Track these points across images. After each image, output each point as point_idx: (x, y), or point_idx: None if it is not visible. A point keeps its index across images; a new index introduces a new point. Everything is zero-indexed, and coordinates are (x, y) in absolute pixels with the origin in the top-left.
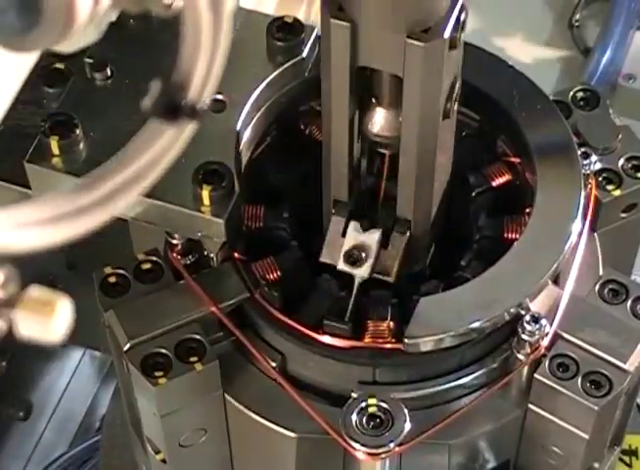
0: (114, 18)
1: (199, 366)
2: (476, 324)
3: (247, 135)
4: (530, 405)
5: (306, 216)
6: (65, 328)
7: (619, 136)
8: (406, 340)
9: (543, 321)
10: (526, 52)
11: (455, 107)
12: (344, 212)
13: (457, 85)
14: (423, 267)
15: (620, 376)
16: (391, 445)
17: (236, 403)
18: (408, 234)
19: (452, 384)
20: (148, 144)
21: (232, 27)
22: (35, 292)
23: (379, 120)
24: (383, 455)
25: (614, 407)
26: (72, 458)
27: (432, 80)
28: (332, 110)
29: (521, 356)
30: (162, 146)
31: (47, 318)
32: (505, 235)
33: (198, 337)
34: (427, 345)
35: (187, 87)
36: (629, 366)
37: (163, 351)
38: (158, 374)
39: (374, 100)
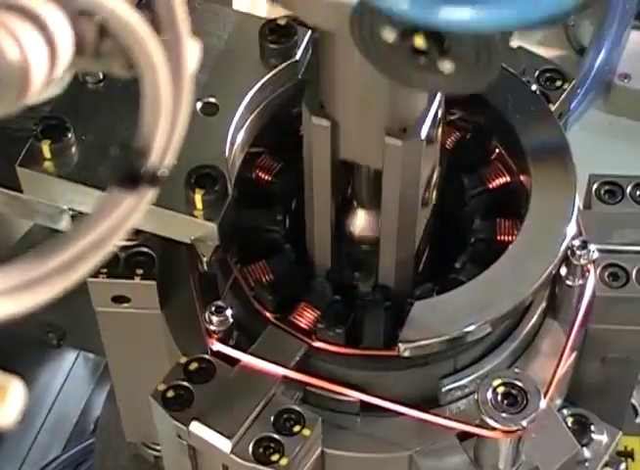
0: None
1: (307, 432)
2: (470, 327)
3: (240, 138)
4: (593, 325)
5: (300, 219)
6: (17, 413)
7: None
8: (400, 344)
9: (592, 246)
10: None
11: (434, 195)
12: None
13: (435, 175)
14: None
15: None
16: (524, 422)
17: (338, 452)
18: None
19: (519, 339)
20: (107, 212)
21: (191, 92)
22: None
23: (360, 223)
24: (519, 433)
25: None
26: (67, 461)
27: (410, 173)
28: (314, 206)
29: (571, 283)
30: (122, 214)
31: (0, 403)
32: (499, 238)
33: (289, 406)
34: (422, 349)
35: (147, 154)
36: None
37: (268, 434)
38: (274, 458)
39: (355, 203)
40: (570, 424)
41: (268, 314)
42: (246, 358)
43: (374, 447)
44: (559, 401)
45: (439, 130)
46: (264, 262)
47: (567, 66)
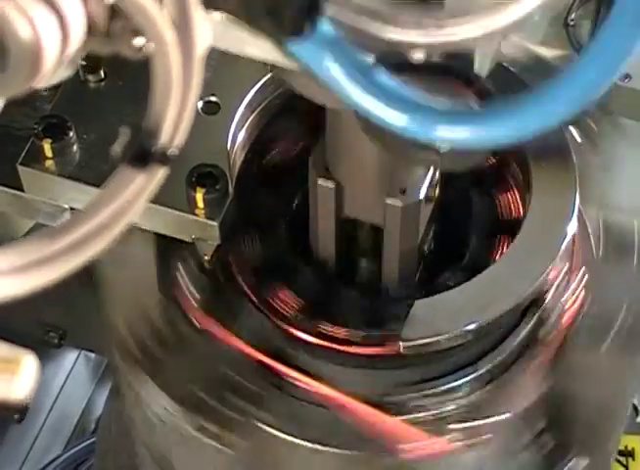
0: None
1: None
2: (471, 326)
3: (241, 137)
4: (565, 371)
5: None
6: (30, 386)
7: None
8: (401, 342)
9: (573, 285)
10: (521, 51)
11: (436, 191)
12: None
13: (432, 228)
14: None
15: None
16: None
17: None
18: None
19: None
20: (118, 191)
21: (201, 72)
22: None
23: (362, 269)
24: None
25: None
26: (68, 460)
27: (409, 229)
28: (320, 257)
29: (551, 325)
30: (133, 192)
31: (12, 376)
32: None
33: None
34: (422, 347)
35: (158, 133)
36: None
37: None
38: None
39: (358, 253)
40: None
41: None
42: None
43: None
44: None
45: (437, 190)
46: (257, 239)
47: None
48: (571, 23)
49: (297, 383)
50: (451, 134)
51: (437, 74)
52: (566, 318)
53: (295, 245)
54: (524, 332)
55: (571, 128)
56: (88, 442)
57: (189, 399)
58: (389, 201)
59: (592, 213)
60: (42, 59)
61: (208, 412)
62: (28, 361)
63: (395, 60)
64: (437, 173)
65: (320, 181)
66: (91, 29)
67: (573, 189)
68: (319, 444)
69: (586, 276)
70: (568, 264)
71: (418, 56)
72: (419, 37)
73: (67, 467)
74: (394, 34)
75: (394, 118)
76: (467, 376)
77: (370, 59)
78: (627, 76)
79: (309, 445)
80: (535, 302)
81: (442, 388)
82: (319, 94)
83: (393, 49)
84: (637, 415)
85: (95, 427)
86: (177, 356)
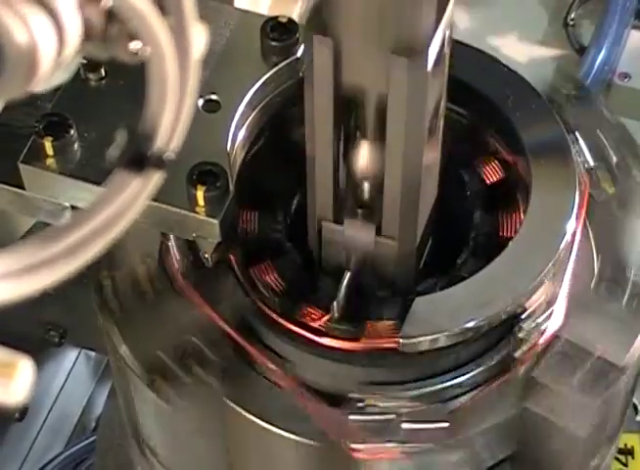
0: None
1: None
2: (471, 324)
3: (241, 135)
4: (527, 405)
5: (303, 217)
6: (27, 390)
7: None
8: (401, 340)
9: (540, 319)
10: (521, 51)
11: (441, 124)
12: None
13: (442, 103)
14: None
15: (618, 373)
16: (390, 445)
17: (236, 407)
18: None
19: (449, 383)
20: (114, 195)
21: (198, 76)
22: None
23: (364, 157)
24: (383, 456)
25: (612, 404)
26: (68, 459)
27: (417, 97)
28: (316, 138)
29: (517, 355)
30: (129, 196)
31: (8, 380)
32: (501, 233)
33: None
34: (422, 345)
35: (154, 137)
36: (626, 363)
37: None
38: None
39: (358, 134)
40: None
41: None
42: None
43: (268, 417)
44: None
45: (447, 54)
46: (256, 214)
47: (567, 65)
48: (571, 22)
49: (257, 360)
50: None
51: None
52: (542, 340)
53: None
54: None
55: None
56: (88, 440)
57: (149, 356)
58: (394, 59)
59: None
60: (38, 63)
61: (164, 371)
62: (25, 365)
63: None
64: (449, 32)
65: (316, 40)
66: (87, 33)
67: (573, 186)
68: (262, 419)
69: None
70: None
71: None
72: None
73: (67, 466)
74: None
75: None
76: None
77: None
78: (627, 76)
79: (253, 418)
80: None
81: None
82: None
83: None
84: (637, 414)
85: (95, 425)
86: (150, 313)
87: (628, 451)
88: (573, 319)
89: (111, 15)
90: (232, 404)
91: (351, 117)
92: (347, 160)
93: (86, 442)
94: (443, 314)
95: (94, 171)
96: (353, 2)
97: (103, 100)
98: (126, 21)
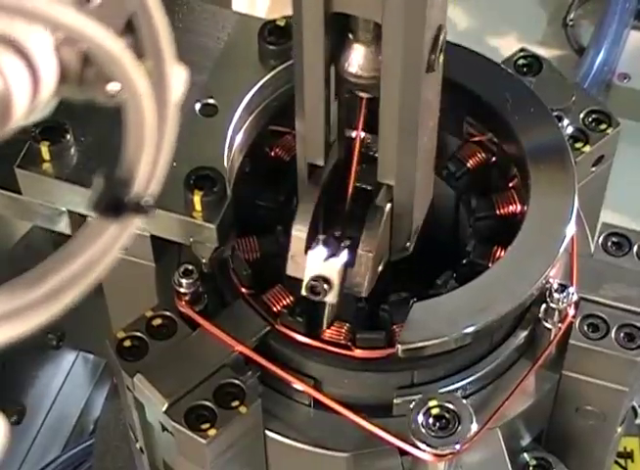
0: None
1: (243, 409)
2: (470, 329)
3: (239, 139)
4: (566, 372)
5: None
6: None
7: (573, 95)
8: (399, 345)
9: (571, 289)
10: None
11: (441, 59)
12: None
13: (442, 35)
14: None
15: None
16: (457, 446)
17: (278, 436)
18: (373, 254)
19: (486, 369)
20: (90, 241)
21: (177, 117)
22: None
23: (357, 59)
24: (450, 456)
25: None
26: (66, 461)
27: (414, 26)
28: (304, 60)
29: (549, 326)
30: (105, 243)
31: None
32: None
33: (234, 381)
34: (421, 350)
35: (131, 182)
36: None
37: (204, 402)
38: (205, 427)
39: (351, 36)
40: (531, 466)
41: (243, 289)
42: (205, 324)
43: (315, 441)
44: (526, 441)
45: None
46: (254, 239)
47: (566, 66)
48: (570, 23)
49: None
50: None
51: None
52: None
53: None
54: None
55: None
56: (86, 443)
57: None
58: None
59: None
60: (12, 109)
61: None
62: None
63: None
64: None
65: None
66: (63, 76)
67: (572, 191)
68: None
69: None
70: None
71: None
72: None
73: (65, 468)
74: None
75: None
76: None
77: None
78: (626, 77)
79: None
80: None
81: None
82: None
83: None
84: (636, 417)
85: (93, 428)
86: (176, 358)
87: (628, 455)
88: (593, 281)
89: (87, 57)
90: (274, 435)
91: (343, 24)
92: (340, 69)
93: (84, 445)
94: (442, 320)
95: (90, 176)
96: None
97: (99, 105)
98: (102, 65)
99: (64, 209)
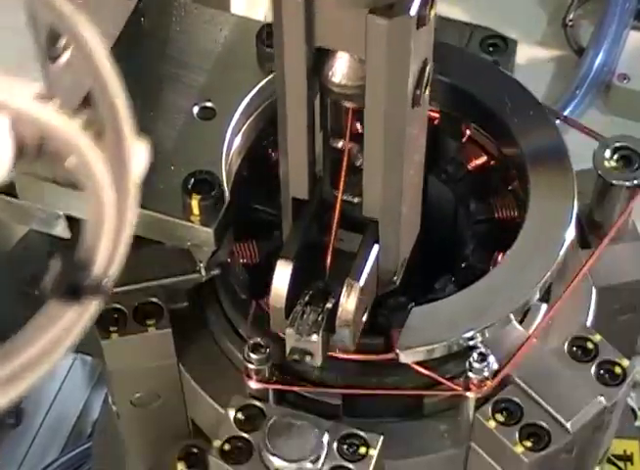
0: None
1: (372, 451)
2: (468, 334)
3: (237, 143)
4: (472, 442)
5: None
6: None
7: None
8: (398, 350)
9: (491, 359)
10: (520, 52)
11: (427, 93)
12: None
13: (428, 69)
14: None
15: (561, 434)
16: None
17: (186, 375)
18: (354, 319)
19: None
20: (47, 326)
21: (138, 199)
22: None
23: (340, 68)
24: None
25: (549, 463)
26: (64, 464)
27: (398, 63)
28: (287, 91)
29: (468, 395)
30: (64, 327)
31: None
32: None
33: (158, 302)
34: (420, 355)
35: (90, 265)
36: (572, 426)
37: (121, 307)
38: (112, 329)
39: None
40: None
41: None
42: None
43: (432, 448)
44: None
45: (433, 12)
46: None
47: (566, 66)
48: (570, 23)
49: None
50: None
51: None
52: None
53: None
54: None
55: None
56: (85, 446)
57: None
58: (372, 19)
59: None
60: None
61: None
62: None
63: None
64: None
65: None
66: (20, 151)
67: (572, 195)
68: None
69: None
70: None
71: None
72: None
73: None
74: None
75: None
76: None
77: None
78: (626, 77)
79: None
80: None
81: None
82: None
83: None
84: (636, 419)
85: (91, 431)
86: None
87: (627, 458)
88: (534, 369)
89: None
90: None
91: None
92: (323, 80)
93: (82, 447)
94: (440, 325)
95: None
96: None
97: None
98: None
99: (60, 212)
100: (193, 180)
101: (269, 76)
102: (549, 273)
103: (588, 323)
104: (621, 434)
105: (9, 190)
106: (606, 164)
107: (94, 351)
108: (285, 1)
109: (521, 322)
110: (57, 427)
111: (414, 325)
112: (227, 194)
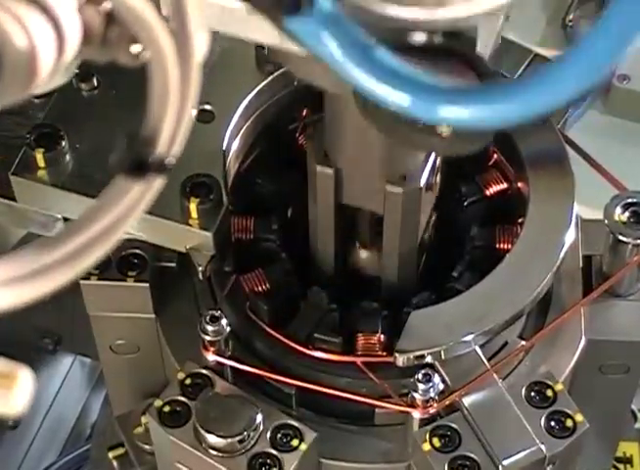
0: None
1: (303, 446)
2: (467, 338)
3: (235, 146)
4: (411, 461)
5: (296, 227)
6: (26, 401)
7: None
8: (396, 354)
9: (436, 380)
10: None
11: (431, 233)
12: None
13: (433, 218)
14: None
15: None
16: None
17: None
18: None
19: None
20: (114, 202)
21: (199, 81)
22: None
23: (361, 260)
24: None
25: None
26: (63, 467)
27: (410, 217)
28: (318, 245)
29: (413, 412)
30: (130, 202)
31: (8, 391)
32: (498, 245)
33: (144, 255)
34: (418, 359)
35: (155, 142)
36: (505, 468)
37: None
38: (93, 271)
39: (357, 244)
40: None
41: (265, 326)
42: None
43: (371, 457)
44: None
45: (437, 177)
46: (260, 271)
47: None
48: (570, 23)
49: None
50: (457, 113)
51: (440, 56)
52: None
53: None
54: None
55: None
56: (83, 448)
57: None
58: (390, 188)
59: None
60: (38, 68)
61: None
62: (25, 376)
63: (397, 42)
64: (439, 160)
65: (319, 168)
66: (87, 37)
67: (571, 197)
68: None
69: None
70: None
71: (419, 37)
72: (419, 14)
73: None
74: (395, 11)
75: (398, 98)
76: None
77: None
78: (626, 78)
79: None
80: None
81: None
82: (319, 77)
83: (394, 27)
84: (636, 421)
85: (90, 433)
86: None
87: (627, 460)
88: (485, 403)
89: (111, 17)
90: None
91: (352, 227)
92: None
93: (81, 450)
94: (439, 329)
95: (85, 183)
96: (351, 139)
97: (95, 110)
98: (126, 24)
99: (59, 216)
100: (191, 184)
101: (268, 79)
102: (548, 277)
103: (566, 372)
104: (622, 436)
105: (7, 193)
106: (615, 218)
107: (93, 353)
108: (319, 172)
109: (496, 354)
110: (55, 429)
111: (413, 329)
112: (226, 197)
